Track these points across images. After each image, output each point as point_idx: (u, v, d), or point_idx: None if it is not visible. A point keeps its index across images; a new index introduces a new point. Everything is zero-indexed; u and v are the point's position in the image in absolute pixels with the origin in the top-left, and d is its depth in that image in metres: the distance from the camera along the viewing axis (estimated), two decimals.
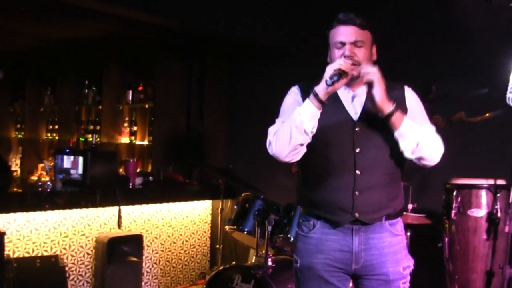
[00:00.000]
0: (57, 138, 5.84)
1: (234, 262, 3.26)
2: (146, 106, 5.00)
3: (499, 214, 2.79)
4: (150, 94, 4.99)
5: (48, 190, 3.64)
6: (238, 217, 3.33)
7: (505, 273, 2.64)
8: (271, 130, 1.92)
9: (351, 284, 2.00)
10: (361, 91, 1.93)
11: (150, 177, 4.33)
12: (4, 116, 6.51)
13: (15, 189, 4.08)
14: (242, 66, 4.90)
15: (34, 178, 5.67)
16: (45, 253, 3.52)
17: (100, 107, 5.38)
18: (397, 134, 1.85)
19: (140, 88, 5.12)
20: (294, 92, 2.01)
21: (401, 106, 1.86)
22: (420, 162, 1.91)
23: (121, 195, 3.74)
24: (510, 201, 2.62)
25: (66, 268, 3.56)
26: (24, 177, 5.82)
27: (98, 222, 3.82)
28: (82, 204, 3.66)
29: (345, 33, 1.86)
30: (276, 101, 2.08)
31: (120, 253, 3.67)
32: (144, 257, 3.96)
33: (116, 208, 3.73)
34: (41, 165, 5.62)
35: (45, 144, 6.11)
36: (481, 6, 3.27)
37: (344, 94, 1.93)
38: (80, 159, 3.80)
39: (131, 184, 4.11)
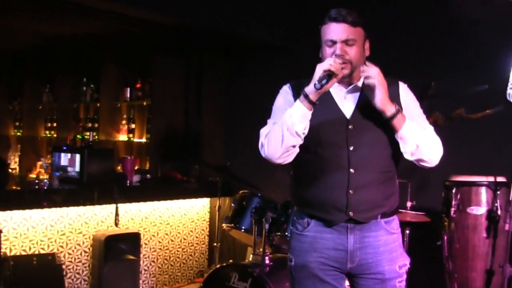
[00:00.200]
0: (55, 135, 5.83)
1: (231, 261, 3.23)
2: (144, 103, 4.97)
3: (499, 212, 2.76)
4: (148, 92, 4.96)
5: (45, 187, 3.63)
6: (235, 215, 3.31)
7: (505, 271, 2.61)
8: (263, 131, 1.90)
9: (347, 283, 1.98)
10: (354, 88, 1.91)
11: (148, 175, 4.31)
12: (3, 114, 6.50)
13: (13, 187, 4.06)
14: (241, 63, 4.87)
15: (33, 176, 5.64)
16: (42, 251, 3.51)
17: (98, 104, 5.36)
18: (397, 136, 1.83)
19: (138, 85, 5.08)
20: (285, 92, 1.98)
21: (396, 104, 1.83)
22: (419, 163, 1.89)
23: (119, 192, 3.72)
24: (510, 199, 2.59)
25: (63, 266, 3.55)
26: (23, 175, 5.80)
27: (95, 220, 3.79)
28: (79, 202, 3.65)
29: (336, 31, 1.82)
30: (275, 99, 2.04)
31: (117, 251, 3.66)
32: (141, 255, 3.94)
33: (113, 206, 3.71)
34: (39, 163, 5.60)
35: (44, 141, 6.10)
36: (481, 2, 3.24)
37: (337, 91, 1.89)
38: (77, 156, 3.78)
39: (128, 181, 4.10)
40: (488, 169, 2.92)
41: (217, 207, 3.82)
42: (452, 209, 2.90)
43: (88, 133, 4.39)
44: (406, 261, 1.94)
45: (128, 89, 5.11)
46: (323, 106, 1.81)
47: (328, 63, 1.73)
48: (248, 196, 3.31)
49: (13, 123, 6.51)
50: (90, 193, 3.66)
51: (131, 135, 5.07)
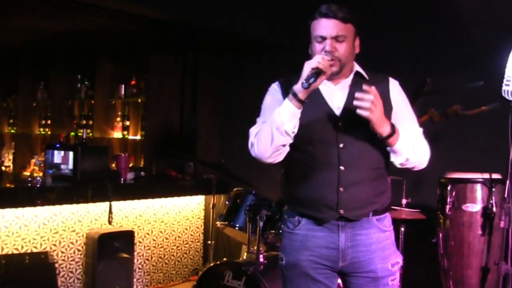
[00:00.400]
0: (49, 133, 5.80)
1: (225, 259, 3.21)
2: (139, 100, 4.95)
3: (494, 209, 2.75)
4: (143, 89, 4.93)
5: (38, 185, 3.60)
6: (229, 213, 3.28)
7: (501, 269, 2.59)
8: (252, 131, 1.88)
9: (339, 281, 1.95)
10: (343, 85, 1.88)
11: (142, 172, 4.29)
12: None
13: (7, 185, 4.04)
14: (236, 60, 4.85)
15: (27, 173, 5.62)
16: (35, 250, 3.47)
17: (92, 101, 5.33)
18: (389, 149, 1.81)
19: (133, 82, 5.06)
20: (274, 90, 1.95)
21: (385, 104, 1.79)
22: (406, 168, 1.89)
23: (112, 190, 3.69)
24: (505, 196, 2.57)
25: (56, 265, 3.52)
26: (17, 173, 5.77)
27: (88, 218, 3.77)
28: (73, 200, 3.62)
29: (326, 27, 1.79)
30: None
31: (111, 249, 3.63)
32: (135, 253, 3.92)
33: (107, 203, 3.68)
34: (33, 161, 5.57)
35: (38, 139, 6.07)
36: None
37: (326, 88, 1.87)
38: (71, 154, 3.75)
39: (122, 179, 4.06)
40: (483, 166, 2.90)
41: (211, 204, 3.80)
42: (448, 206, 2.89)
43: (81, 130, 4.36)
44: (398, 258, 1.92)
45: (123, 86, 5.09)
46: (312, 104, 1.78)
47: (316, 61, 1.70)
48: (242, 193, 3.29)
49: (8, 120, 6.47)
50: (84, 190, 3.63)
51: (125, 132, 5.05)
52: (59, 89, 5.69)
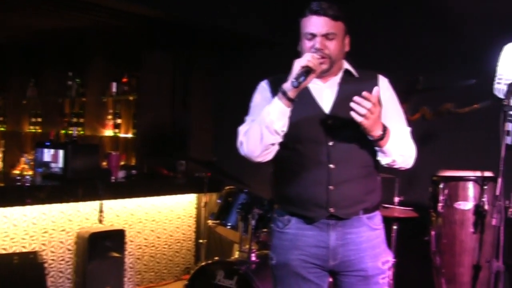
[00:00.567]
0: (40, 131, 5.75)
1: (217, 258, 3.19)
2: (131, 98, 4.91)
3: (486, 207, 2.75)
4: (135, 86, 4.89)
5: (27, 184, 3.55)
6: (221, 211, 3.26)
7: (492, 267, 2.59)
8: (241, 129, 1.87)
9: (331, 279, 1.94)
10: (332, 83, 1.87)
11: (134, 170, 4.25)
12: None
13: None
14: (229, 57, 4.82)
15: (16, 172, 5.55)
16: (24, 250, 3.43)
17: (84, 99, 5.29)
18: (378, 149, 1.80)
19: (125, 80, 5.01)
20: (262, 88, 1.94)
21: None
22: (392, 167, 1.89)
23: (103, 189, 3.67)
24: (497, 194, 2.56)
25: (46, 265, 3.48)
26: (6, 171, 5.70)
27: (79, 217, 3.73)
28: (63, 199, 3.58)
29: (316, 24, 1.78)
30: None
31: (102, 248, 3.60)
32: (126, 253, 3.88)
33: (97, 202, 3.65)
34: (23, 159, 5.51)
35: (28, 137, 6.00)
36: None
37: (315, 86, 1.85)
38: (61, 152, 3.71)
39: (113, 177, 4.03)
40: (475, 164, 2.90)
41: (203, 203, 3.77)
42: (440, 204, 2.89)
43: (72, 128, 4.32)
44: (389, 257, 1.91)
45: (115, 84, 5.04)
46: (301, 102, 1.77)
47: (306, 59, 1.69)
48: (234, 192, 3.27)
49: None
50: (74, 189, 3.59)
51: (117, 130, 5.01)
52: (49, 87, 5.63)
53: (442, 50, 3.44)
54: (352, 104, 1.66)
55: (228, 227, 3.21)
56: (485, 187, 2.77)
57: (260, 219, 3.08)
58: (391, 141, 1.77)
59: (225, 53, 4.82)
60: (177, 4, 3.72)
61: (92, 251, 3.54)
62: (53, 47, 5.45)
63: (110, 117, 5.09)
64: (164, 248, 4.34)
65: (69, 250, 3.67)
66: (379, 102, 1.70)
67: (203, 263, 3.13)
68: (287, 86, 1.71)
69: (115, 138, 5.05)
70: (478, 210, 2.77)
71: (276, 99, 1.73)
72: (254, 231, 3.05)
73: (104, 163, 4.30)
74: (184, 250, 4.50)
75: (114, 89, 5.05)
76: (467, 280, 2.81)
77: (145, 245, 4.18)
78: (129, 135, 4.94)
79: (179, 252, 4.46)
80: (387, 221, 2.38)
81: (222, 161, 3.84)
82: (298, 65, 1.69)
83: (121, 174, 4.12)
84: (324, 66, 1.78)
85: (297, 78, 1.67)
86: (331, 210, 1.81)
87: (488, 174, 2.81)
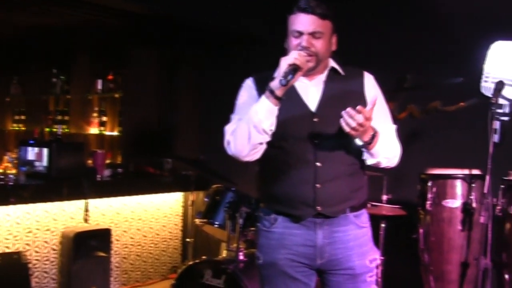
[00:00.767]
0: (23, 129, 5.67)
1: (204, 257, 3.16)
2: (116, 95, 4.85)
3: (474, 205, 2.77)
4: (121, 83, 4.84)
5: (11, 183, 3.49)
6: (208, 210, 3.23)
7: (480, 264, 2.60)
8: (228, 128, 1.85)
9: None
10: (318, 81, 1.86)
11: (119, 169, 4.20)
12: None
13: None
14: (216, 55, 4.78)
15: (0, 170, 5.46)
16: (7, 250, 3.36)
17: (68, 96, 5.22)
18: (365, 150, 1.80)
19: (110, 77, 4.96)
20: (248, 86, 1.92)
21: (360, 100, 1.78)
22: (376, 167, 1.90)
23: (89, 187, 3.61)
24: (485, 191, 2.57)
25: (30, 265, 3.42)
26: None
27: (64, 216, 3.67)
28: (47, 198, 3.52)
29: (303, 22, 1.76)
30: None
31: (87, 248, 3.55)
32: (112, 252, 3.83)
33: (83, 201, 3.60)
34: (6, 157, 5.42)
35: (11, 135, 5.93)
36: None
37: (301, 84, 1.84)
38: (45, 150, 3.64)
39: (99, 176, 3.97)
40: (463, 162, 2.91)
41: (190, 201, 3.74)
42: (428, 202, 2.90)
43: (57, 126, 4.26)
44: (376, 255, 1.91)
45: (100, 81, 4.99)
46: (287, 100, 1.75)
47: (292, 57, 1.68)
48: (221, 190, 3.24)
49: None
50: (59, 188, 3.53)
51: (102, 128, 4.96)
52: (33, 84, 5.57)
53: (429, 48, 3.45)
54: (343, 113, 1.64)
55: (216, 225, 3.18)
56: (473, 185, 2.79)
57: (247, 217, 3.05)
58: (378, 144, 1.77)
59: (212, 50, 4.78)
60: (163, 0, 3.68)
61: (77, 251, 3.49)
62: (37, 44, 5.37)
63: (95, 114, 5.04)
64: (151, 247, 4.29)
65: (53, 250, 3.62)
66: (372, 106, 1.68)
67: (190, 263, 3.10)
68: (274, 84, 1.69)
69: (100, 136, 5.00)
70: (466, 208, 2.78)
71: (263, 97, 1.71)
72: (241, 230, 3.03)
73: (90, 162, 4.24)
74: (170, 249, 4.46)
75: (99, 87, 5.00)
76: (455, 278, 2.82)
77: (131, 244, 4.13)
78: (115, 133, 4.89)
79: (165, 251, 4.42)
80: (375, 219, 2.38)
81: (209, 159, 3.80)
82: (285, 63, 1.67)
83: (106, 172, 4.07)
84: (311, 64, 1.77)
85: (285, 76, 1.65)
86: (318, 208, 1.79)
87: (476, 172, 2.82)
